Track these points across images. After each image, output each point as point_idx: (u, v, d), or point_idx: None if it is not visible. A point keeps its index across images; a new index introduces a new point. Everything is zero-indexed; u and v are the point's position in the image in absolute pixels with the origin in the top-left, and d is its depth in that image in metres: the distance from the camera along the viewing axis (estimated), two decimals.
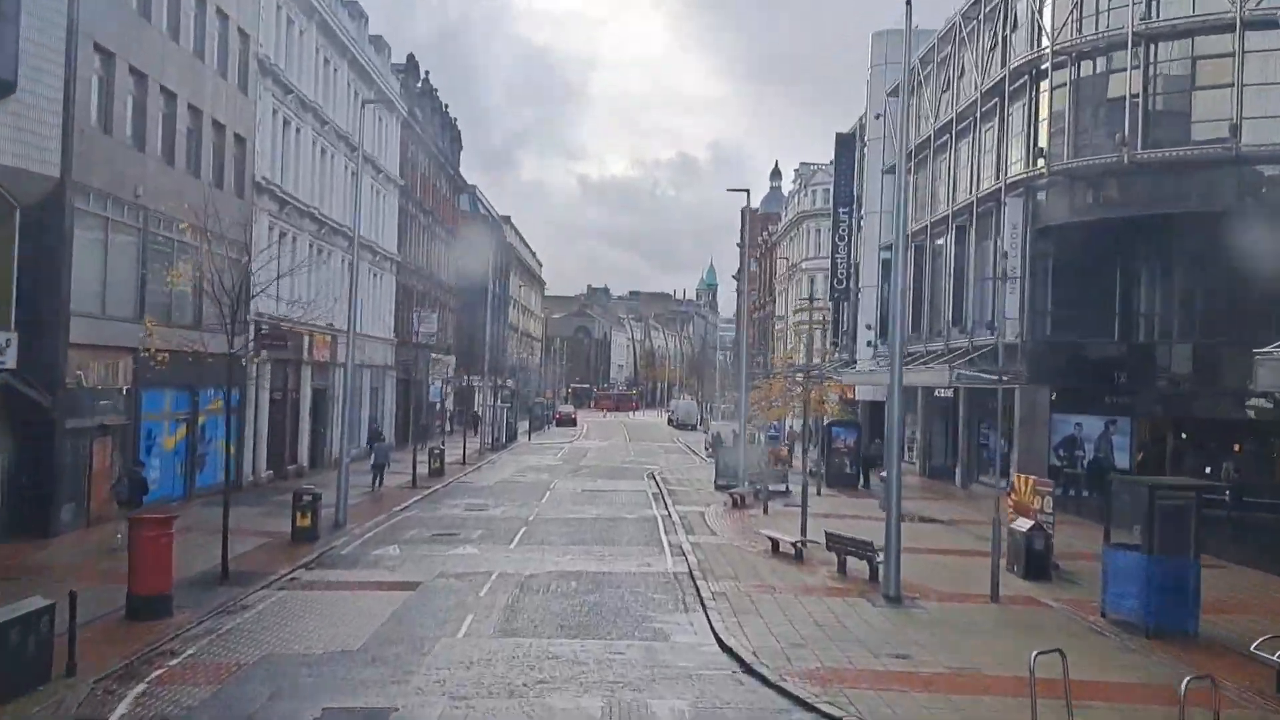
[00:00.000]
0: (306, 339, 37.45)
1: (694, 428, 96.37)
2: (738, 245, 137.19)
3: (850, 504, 33.39)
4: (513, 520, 28.94)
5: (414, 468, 37.17)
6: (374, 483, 35.88)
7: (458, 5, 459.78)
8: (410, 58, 56.49)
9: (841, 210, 54.62)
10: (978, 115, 38.51)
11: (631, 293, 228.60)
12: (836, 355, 53.32)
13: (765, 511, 30.09)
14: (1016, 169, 34.98)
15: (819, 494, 35.75)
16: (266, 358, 33.49)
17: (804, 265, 77.82)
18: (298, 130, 36.98)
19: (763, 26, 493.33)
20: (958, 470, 41.29)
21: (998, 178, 37.03)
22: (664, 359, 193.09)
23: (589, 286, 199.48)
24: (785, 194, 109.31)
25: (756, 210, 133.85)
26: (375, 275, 47.94)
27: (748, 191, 37.70)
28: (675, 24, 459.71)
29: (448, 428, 65.00)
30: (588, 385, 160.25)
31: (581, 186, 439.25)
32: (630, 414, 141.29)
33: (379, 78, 46.49)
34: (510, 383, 77.34)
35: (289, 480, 35.98)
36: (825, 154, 72.77)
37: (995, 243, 37.35)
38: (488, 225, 79.26)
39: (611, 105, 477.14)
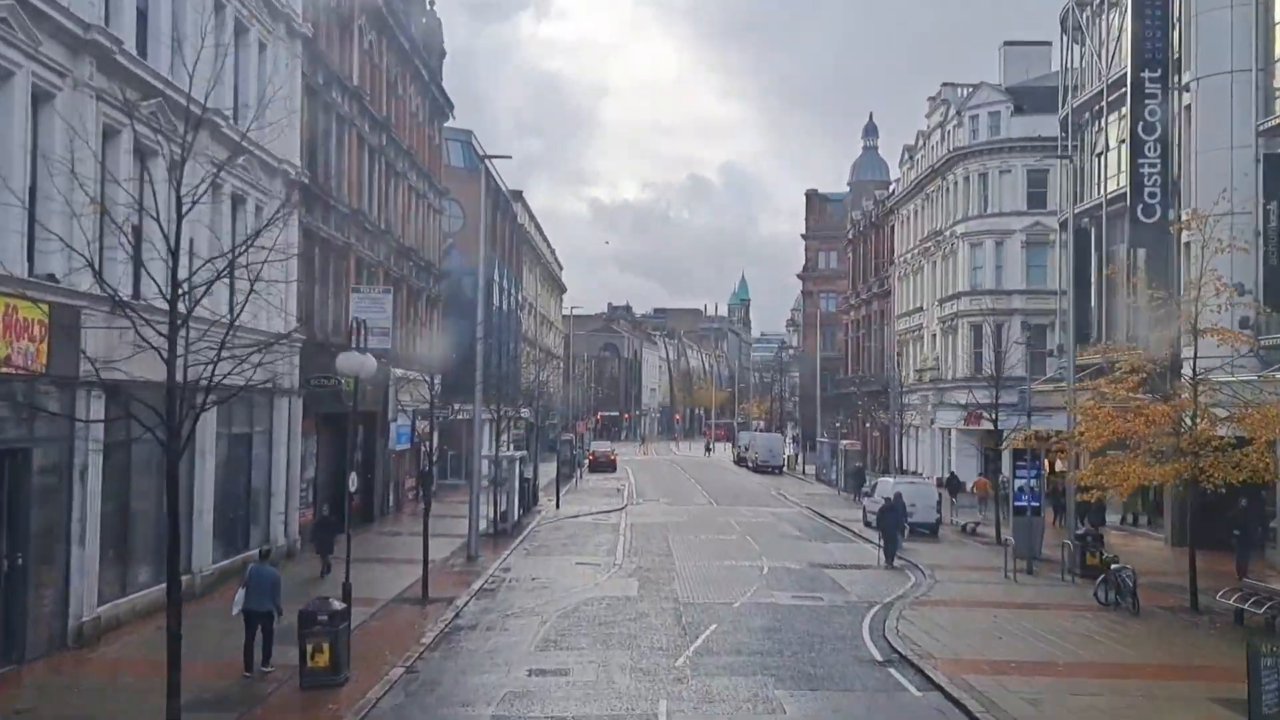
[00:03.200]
0: None
1: (779, 470, 70.57)
2: (802, 236, 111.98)
3: None
4: None
5: None
6: (248, 662, 15.60)
7: (463, 33, 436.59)
8: None
9: (1147, 77, 29.07)
10: None
11: (657, 310, 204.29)
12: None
13: None
14: None
15: None
16: None
17: (959, 231, 52.06)
18: None
19: (772, 49, 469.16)
20: None
21: None
22: (701, 381, 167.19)
23: (609, 304, 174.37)
24: (885, 159, 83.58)
25: (829, 198, 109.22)
26: (240, 199, 22.44)
27: None
28: (685, 48, 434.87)
29: (417, 494, 39.14)
30: (617, 413, 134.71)
31: (593, 211, 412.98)
32: (674, 446, 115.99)
33: None
34: (525, 413, 51.56)
35: None
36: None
37: None
38: (489, 189, 53.39)
39: (622, 130, 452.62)
